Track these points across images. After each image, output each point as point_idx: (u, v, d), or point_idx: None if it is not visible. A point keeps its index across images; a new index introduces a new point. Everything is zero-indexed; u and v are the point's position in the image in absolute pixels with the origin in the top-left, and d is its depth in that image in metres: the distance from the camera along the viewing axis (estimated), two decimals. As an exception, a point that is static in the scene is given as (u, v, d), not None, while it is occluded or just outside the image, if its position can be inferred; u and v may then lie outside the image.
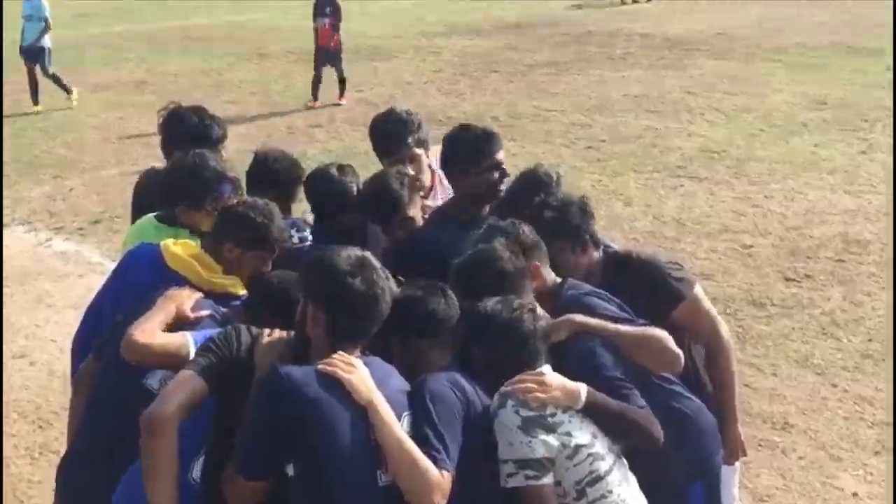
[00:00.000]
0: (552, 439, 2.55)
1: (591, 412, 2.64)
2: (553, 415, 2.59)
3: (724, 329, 3.38)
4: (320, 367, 2.49)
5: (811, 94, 12.38)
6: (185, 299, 2.96)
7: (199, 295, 3.03)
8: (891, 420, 5.08)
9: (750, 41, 16.00)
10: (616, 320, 2.95)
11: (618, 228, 7.91)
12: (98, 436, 2.89)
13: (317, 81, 13.00)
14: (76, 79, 14.59)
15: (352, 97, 13.04)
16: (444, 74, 14.37)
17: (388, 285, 2.60)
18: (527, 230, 3.08)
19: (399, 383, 2.59)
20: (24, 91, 13.17)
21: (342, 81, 13.04)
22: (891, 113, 11.00)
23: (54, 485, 3.08)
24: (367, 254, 2.65)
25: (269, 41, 17.81)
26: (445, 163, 3.81)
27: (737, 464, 3.47)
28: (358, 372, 2.49)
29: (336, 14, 13.31)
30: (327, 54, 13.11)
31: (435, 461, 2.44)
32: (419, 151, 4.13)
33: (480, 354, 2.74)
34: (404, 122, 4.12)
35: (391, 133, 4.11)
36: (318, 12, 13.43)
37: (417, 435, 2.47)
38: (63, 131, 11.77)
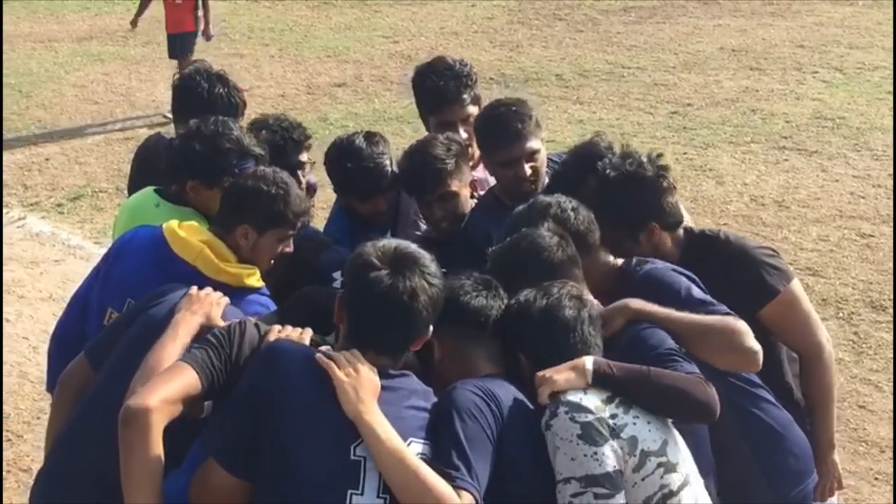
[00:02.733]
0: (618, 446, 2.59)
1: (611, 385, 2.68)
2: (615, 416, 2.63)
3: (825, 336, 3.41)
4: (317, 356, 2.57)
5: (954, 48, 12.21)
6: (213, 305, 2.97)
7: (226, 300, 3.05)
8: None
9: (878, -18, 15.80)
10: (689, 303, 2.98)
11: (707, 212, 7.92)
12: (85, 453, 2.90)
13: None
14: (53, 28, 14.84)
15: (385, 50, 13.12)
16: (498, 22, 14.38)
17: (428, 288, 2.62)
18: (573, 214, 3.14)
19: (422, 403, 2.64)
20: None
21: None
22: None
23: (25, 509, 3.16)
24: (418, 250, 2.70)
25: (286, -19, 17.96)
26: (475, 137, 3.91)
27: (834, 499, 3.51)
28: (359, 378, 2.53)
29: None
30: (171, 42, 11.28)
31: (452, 481, 2.48)
32: (474, 110, 4.15)
33: (525, 356, 2.81)
34: (458, 75, 4.15)
35: (442, 86, 4.13)
36: None
37: (438, 453, 2.54)
38: (39, 89, 12.01)
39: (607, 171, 3.34)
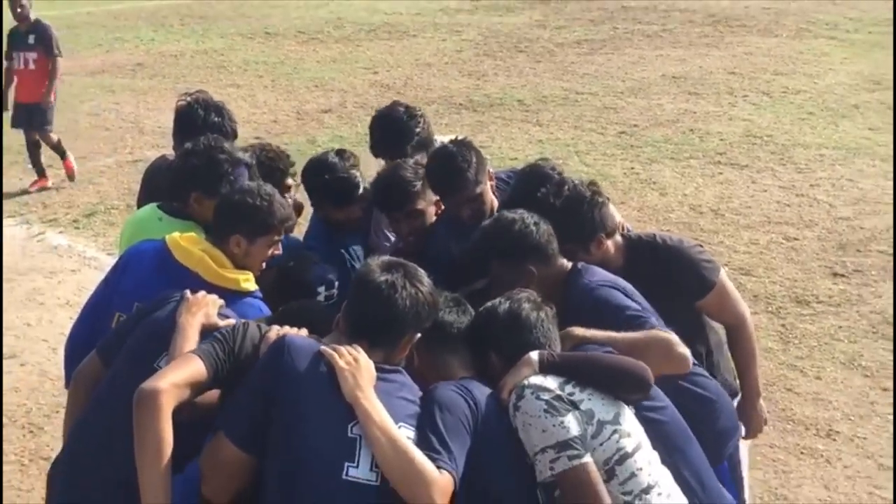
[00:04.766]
0: (578, 416, 2.66)
1: (555, 370, 2.75)
2: (572, 394, 2.70)
3: (745, 307, 3.64)
4: (322, 348, 2.63)
5: (866, 74, 12.33)
6: (211, 306, 2.99)
7: (220, 301, 3.06)
8: (945, 426, 5.11)
9: (800, 16, 15.91)
10: (627, 320, 3.05)
11: (652, 220, 7.95)
12: (97, 440, 2.88)
13: (35, 148, 9.52)
14: (69, 63, 14.74)
15: (367, 80, 13.12)
16: (467, 54, 14.41)
17: (410, 287, 2.70)
18: (535, 228, 3.21)
19: (411, 396, 2.68)
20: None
21: (38, 151, 9.45)
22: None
23: (45, 493, 3.13)
24: (414, 265, 2.78)
25: (276, 18, 17.94)
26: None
27: (747, 443, 3.74)
28: (358, 368, 2.58)
29: (46, 44, 9.28)
30: (28, 112, 9.33)
31: (434, 461, 2.51)
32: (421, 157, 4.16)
33: (495, 355, 2.86)
34: (404, 125, 4.18)
35: (390, 141, 4.18)
36: (13, 42, 9.36)
37: (420, 440, 2.57)
38: (56, 118, 11.88)
39: (551, 199, 3.41)
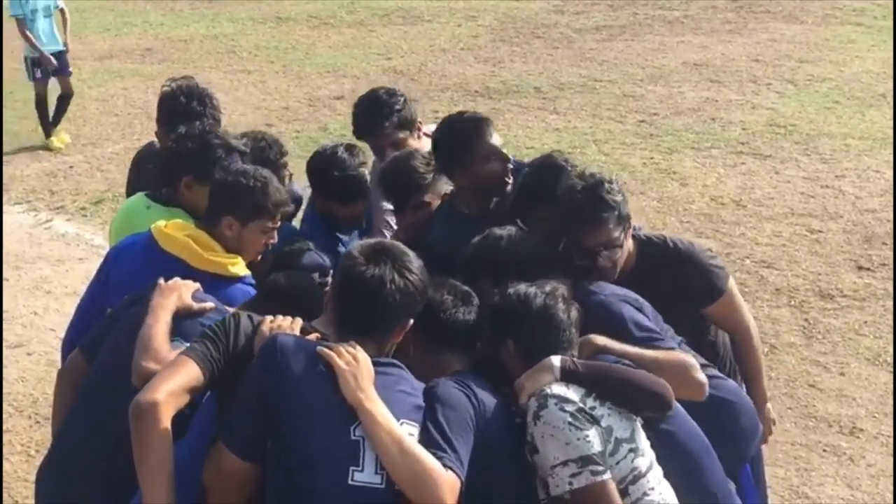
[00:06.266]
0: (600, 431, 2.66)
1: (575, 380, 2.72)
2: (594, 408, 2.68)
3: (751, 319, 3.64)
4: (319, 348, 2.59)
5: (894, 62, 12.23)
6: (183, 289, 2.98)
7: (196, 284, 3.05)
8: (972, 425, 5.09)
9: (826, 2, 15.80)
10: (643, 340, 3.02)
11: (672, 211, 7.94)
12: (82, 438, 2.91)
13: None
14: (78, 47, 14.78)
15: (380, 66, 13.12)
16: (482, 40, 14.38)
17: (398, 279, 2.63)
18: (521, 244, 3.16)
19: (410, 389, 2.65)
20: (20, 60, 13.17)
21: None
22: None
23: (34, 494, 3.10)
24: (400, 246, 2.72)
25: (287, 3, 17.92)
26: (437, 156, 3.84)
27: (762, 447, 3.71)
28: (358, 368, 2.54)
29: None
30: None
31: (440, 460, 2.51)
32: (403, 135, 4.21)
33: (514, 343, 2.83)
34: (380, 104, 4.19)
35: (367, 114, 4.21)
36: None
37: (425, 439, 2.56)
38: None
39: (609, 183, 3.32)
